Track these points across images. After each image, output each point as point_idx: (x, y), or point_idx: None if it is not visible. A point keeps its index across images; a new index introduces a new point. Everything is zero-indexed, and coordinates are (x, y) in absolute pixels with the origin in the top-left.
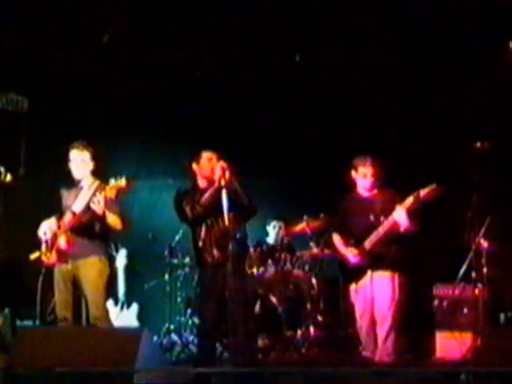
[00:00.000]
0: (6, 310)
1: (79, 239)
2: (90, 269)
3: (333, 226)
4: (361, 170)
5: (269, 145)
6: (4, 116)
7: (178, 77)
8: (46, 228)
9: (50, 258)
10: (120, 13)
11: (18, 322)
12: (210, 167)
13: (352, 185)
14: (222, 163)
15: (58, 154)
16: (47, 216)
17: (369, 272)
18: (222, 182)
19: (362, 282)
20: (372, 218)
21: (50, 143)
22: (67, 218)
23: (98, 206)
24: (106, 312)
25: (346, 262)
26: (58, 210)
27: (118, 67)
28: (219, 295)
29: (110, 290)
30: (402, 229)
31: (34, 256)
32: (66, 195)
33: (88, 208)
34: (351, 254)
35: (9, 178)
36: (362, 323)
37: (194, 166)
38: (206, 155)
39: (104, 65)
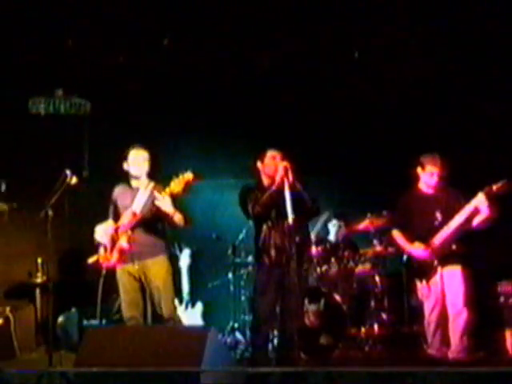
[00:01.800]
0: (73, 310)
1: (143, 238)
2: (160, 268)
3: (394, 222)
4: (429, 167)
5: (331, 142)
6: (67, 119)
7: (239, 76)
8: (102, 231)
9: (111, 259)
10: (178, 15)
11: (85, 322)
12: (273, 166)
13: (414, 181)
14: (284, 163)
15: (121, 156)
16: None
17: (438, 268)
18: (285, 182)
19: (431, 279)
20: (438, 215)
21: (112, 145)
22: (127, 218)
23: (163, 203)
24: (175, 310)
25: (413, 258)
26: (109, 213)
27: (178, 68)
28: (274, 294)
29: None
30: (482, 215)
31: (92, 259)
32: (122, 196)
33: (148, 207)
34: (419, 250)
35: (74, 180)
36: (431, 320)
37: (259, 164)
38: (270, 154)
39: (164, 66)
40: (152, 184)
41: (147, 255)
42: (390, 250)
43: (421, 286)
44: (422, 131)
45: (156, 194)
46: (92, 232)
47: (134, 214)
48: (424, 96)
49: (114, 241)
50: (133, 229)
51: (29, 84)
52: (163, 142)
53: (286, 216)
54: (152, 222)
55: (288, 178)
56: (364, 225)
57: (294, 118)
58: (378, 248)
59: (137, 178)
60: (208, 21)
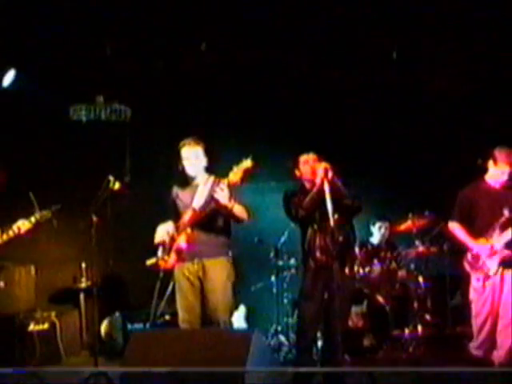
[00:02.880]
0: (117, 314)
1: (203, 237)
2: (218, 271)
3: (453, 215)
4: (501, 165)
5: (371, 144)
6: (108, 126)
7: (280, 79)
8: (163, 231)
9: (169, 260)
10: (215, 19)
11: (129, 326)
12: (308, 170)
13: (480, 173)
14: (324, 164)
15: (161, 160)
16: (152, 221)
17: (500, 269)
18: (325, 183)
19: (490, 279)
20: (507, 212)
21: (153, 150)
22: (187, 215)
23: (221, 195)
24: (231, 315)
25: (473, 254)
26: (169, 214)
27: (217, 72)
28: (320, 297)
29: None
30: None
31: (150, 262)
32: (182, 195)
33: (209, 202)
34: (484, 247)
35: (117, 185)
36: (479, 320)
37: (297, 171)
38: (302, 159)
39: (203, 71)
40: (212, 178)
41: (207, 255)
42: (433, 250)
43: (476, 284)
44: (463, 131)
45: (215, 187)
46: (135, 235)
47: (194, 211)
48: (462, 95)
49: (172, 241)
50: (193, 227)
51: (70, 92)
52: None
53: (328, 217)
54: (214, 219)
55: (328, 179)
56: (406, 225)
57: (333, 120)
58: (421, 248)
59: (193, 174)
60: (246, 24)
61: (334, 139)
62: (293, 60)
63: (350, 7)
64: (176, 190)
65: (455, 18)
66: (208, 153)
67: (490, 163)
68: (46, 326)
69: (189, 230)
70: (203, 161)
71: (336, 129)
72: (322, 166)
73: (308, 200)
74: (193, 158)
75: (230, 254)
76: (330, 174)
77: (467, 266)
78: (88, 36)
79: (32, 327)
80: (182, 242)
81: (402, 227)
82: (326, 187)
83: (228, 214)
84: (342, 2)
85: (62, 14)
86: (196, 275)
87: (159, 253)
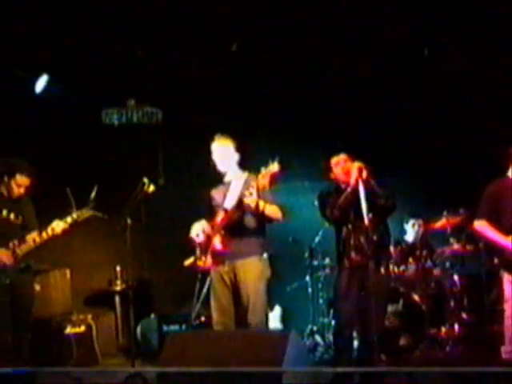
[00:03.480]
0: (152, 316)
1: (235, 238)
2: (249, 271)
3: (479, 212)
4: None
5: (404, 142)
6: (140, 129)
7: (312, 78)
8: (199, 229)
9: (206, 261)
10: (247, 20)
11: (164, 327)
12: (340, 171)
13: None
14: (357, 164)
15: (193, 162)
16: (185, 223)
17: None
18: (359, 183)
19: None
20: None
21: (185, 152)
22: (220, 216)
23: (251, 199)
24: (266, 317)
25: (506, 252)
26: (204, 213)
27: (249, 73)
28: (355, 296)
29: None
30: None
31: (188, 262)
32: (216, 195)
33: (240, 203)
34: None
35: (152, 188)
36: (510, 322)
37: (331, 174)
38: (333, 161)
39: (235, 72)
40: (245, 175)
41: (238, 256)
42: (468, 248)
43: (509, 284)
44: (499, 128)
45: (245, 189)
46: (168, 238)
47: (226, 212)
48: (498, 92)
49: (208, 242)
50: (226, 228)
51: (101, 96)
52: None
53: (363, 216)
54: (246, 220)
55: (362, 178)
56: (441, 223)
57: (367, 118)
58: (456, 246)
59: (224, 170)
60: (277, 24)
61: (367, 138)
62: (324, 60)
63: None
64: (213, 190)
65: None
66: (240, 149)
67: None
68: (82, 328)
69: (222, 232)
70: (234, 156)
71: (370, 127)
72: (355, 166)
73: (342, 200)
74: (222, 152)
75: (265, 254)
76: (364, 174)
77: (501, 264)
78: (119, 40)
79: (68, 330)
80: (217, 243)
81: (437, 225)
82: (361, 187)
83: (260, 216)
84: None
85: (92, 18)
86: (228, 277)
87: (197, 252)
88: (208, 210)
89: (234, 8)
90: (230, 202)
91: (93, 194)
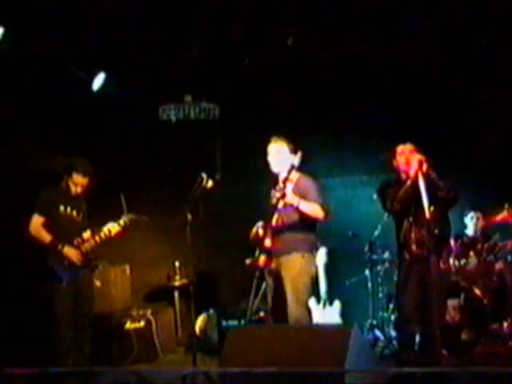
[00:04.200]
0: (211, 311)
1: (285, 235)
2: (291, 267)
3: None
4: None
5: (465, 134)
6: (197, 125)
7: (369, 72)
8: (255, 230)
9: (262, 260)
10: (302, 13)
11: (224, 323)
12: (403, 161)
13: None
14: (418, 156)
15: (250, 157)
16: (242, 218)
17: None
18: (419, 175)
19: None
20: None
21: (242, 147)
22: (275, 217)
23: (291, 198)
24: (307, 312)
25: None
26: (259, 212)
27: (304, 67)
28: (416, 291)
29: (313, 288)
30: None
31: (248, 262)
32: (272, 193)
33: (278, 199)
34: None
35: (210, 183)
36: None
37: (394, 161)
38: (399, 149)
39: (291, 66)
40: (297, 176)
41: (282, 253)
42: None
43: None
44: None
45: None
46: (226, 233)
47: (278, 211)
48: None
49: (262, 241)
50: (277, 226)
51: (158, 92)
52: (294, 141)
53: (424, 209)
54: (292, 217)
55: (422, 171)
56: (502, 216)
57: (426, 110)
58: None
59: (276, 170)
60: (333, 17)
61: (429, 130)
62: (383, 51)
63: None
64: (272, 190)
65: None
66: (294, 149)
67: None
68: (142, 323)
69: (273, 230)
70: (288, 158)
71: (430, 119)
72: (416, 158)
73: (402, 192)
74: (275, 154)
75: (312, 251)
76: (424, 166)
77: None
78: (175, 36)
79: (128, 325)
80: (267, 241)
81: (498, 218)
82: (421, 180)
83: (299, 213)
84: None
85: (148, 15)
86: (274, 273)
87: (256, 252)
88: (269, 209)
89: (288, 1)
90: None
91: (123, 201)
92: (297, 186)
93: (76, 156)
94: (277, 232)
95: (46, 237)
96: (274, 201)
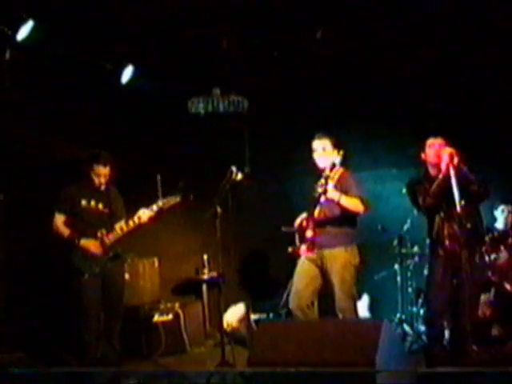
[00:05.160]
0: (240, 304)
1: (324, 228)
2: (335, 261)
3: None
4: None
5: (495, 128)
6: (226, 118)
7: (397, 66)
8: (299, 220)
9: (301, 249)
10: (331, 6)
11: (252, 316)
12: (434, 154)
13: None
14: (448, 149)
15: (279, 150)
16: (271, 211)
17: None
18: (450, 169)
19: None
20: None
21: (272, 140)
22: (317, 209)
23: (330, 193)
24: (354, 304)
25: None
26: (288, 205)
27: (334, 60)
28: (449, 285)
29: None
30: None
31: (290, 249)
32: (316, 187)
33: (320, 194)
34: None
35: (240, 176)
36: None
37: (422, 154)
38: (428, 142)
39: (319, 59)
40: (340, 171)
41: (326, 245)
42: None
43: None
44: None
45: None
46: (255, 226)
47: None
48: None
49: (303, 231)
50: (319, 219)
51: (187, 85)
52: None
53: (455, 204)
54: (334, 210)
55: (453, 164)
56: None
57: (456, 105)
58: None
59: (322, 166)
60: (362, 10)
61: (458, 124)
62: (414, 44)
63: None
64: (313, 183)
65: None
66: (338, 146)
67: None
68: (170, 316)
69: (314, 222)
70: (332, 153)
71: (460, 114)
72: (447, 152)
73: (435, 187)
74: (320, 150)
75: (354, 243)
76: (455, 160)
77: None
78: (204, 28)
79: (157, 318)
80: (309, 232)
81: None
82: (452, 173)
83: (340, 207)
84: None
85: (177, 8)
86: (315, 264)
87: (296, 241)
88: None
89: None
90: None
91: (181, 184)
92: (339, 181)
93: (104, 149)
94: (319, 224)
95: (64, 232)
96: (316, 194)
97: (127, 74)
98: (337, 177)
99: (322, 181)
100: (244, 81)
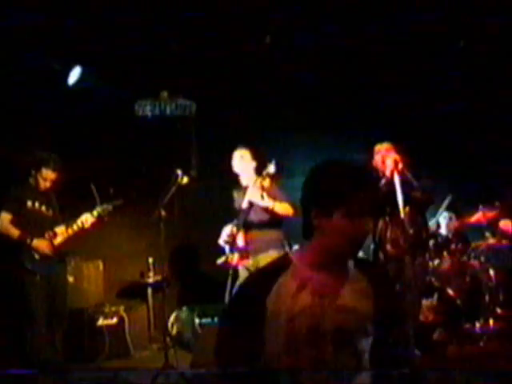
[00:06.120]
0: (184, 308)
1: (257, 235)
2: None
3: (504, 212)
4: None
5: (443, 136)
6: (174, 121)
7: (349, 70)
8: (226, 231)
9: (234, 258)
10: (280, 12)
11: (197, 320)
12: (379, 159)
13: None
14: (393, 156)
15: (226, 155)
16: (218, 216)
17: None
18: (395, 175)
19: None
20: None
21: (218, 145)
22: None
23: (256, 199)
24: None
25: None
26: (229, 211)
27: (281, 66)
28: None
29: None
30: None
31: (220, 260)
32: (237, 196)
33: (250, 204)
34: None
35: (185, 180)
36: None
37: (372, 160)
38: (376, 148)
39: (267, 64)
40: (259, 179)
41: (259, 251)
42: (504, 242)
43: None
44: None
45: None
46: (201, 229)
47: (244, 212)
48: None
49: (233, 240)
50: (247, 226)
51: (135, 87)
52: (267, 139)
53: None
54: (263, 217)
55: (398, 170)
56: (476, 217)
57: (404, 111)
58: (492, 240)
59: (241, 176)
60: (313, 17)
61: (407, 130)
62: (362, 49)
63: None
64: (234, 192)
65: None
66: (257, 156)
67: None
68: (114, 320)
69: (243, 230)
70: (251, 164)
71: (408, 119)
72: (391, 158)
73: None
74: (239, 160)
75: (286, 246)
76: (399, 166)
77: None
78: (152, 31)
79: (101, 322)
80: (240, 241)
81: (473, 219)
82: (396, 179)
83: (272, 213)
84: None
85: (126, 11)
86: (253, 269)
87: (226, 251)
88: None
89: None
90: (245, 203)
91: (111, 192)
92: (267, 189)
93: (50, 151)
94: (249, 232)
95: (15, 232)
96: (244, 203)
97: (75, 74)
98: (267, 185)
99: (261, 192)
100: (192, 84)
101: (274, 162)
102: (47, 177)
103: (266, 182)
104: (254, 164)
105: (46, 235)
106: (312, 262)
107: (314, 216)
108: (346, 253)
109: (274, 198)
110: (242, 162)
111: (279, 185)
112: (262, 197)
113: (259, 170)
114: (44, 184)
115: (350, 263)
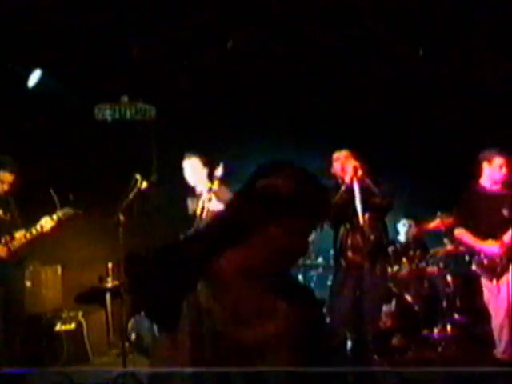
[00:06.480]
0: (143, 313)
1: None
2: None
3: (456, 221)
4: (497, 160)
5: (401, 142)
6: (133, 125)
7: (309, 76)
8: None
9: None
10: (241, 16)
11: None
12: (338, 167)
13: (475, 178)
14: (353, 162)
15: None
16: (178, 220)
17: (510, 266)
18: (355, 182)
19: (502, 278)
20: (506, 212)
21: (179, 149)
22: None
23: (210, 204)
24: None
25: (483, 256)
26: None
27: (242, 71)
28: (351, 296)
29: None
30: None
31: None
32: (191, 203)
33: (202, 210)
34: (493, 247)
35: (145, 184)
36: (498, 321)
37: (331, 168)
38: (334, 156)
39: (228, 69)
40: (209, 183)
41: None
42: (462, 249)
43: (490, 285)
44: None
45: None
46: (160, 235)
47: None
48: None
49: None
50: None
51: (94, 91)
52: (228, 144)
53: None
54: None
55: (357, 177)
56: (434, 224)
57: (362, 116)
58: (449, 247)
59: (193, 184)
60: (272, 21)
61: (366, 137)
62: (325, 55)
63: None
64: (188, 199)
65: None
66: (207, 162)
67: (485, 164)
68: (72, 325)
69: None
70: (203, 171)
71: (368, 126)
72: (351, 164)
73: (337, 198)
74: (190, 169)
75: None
76: (359, 172)
77: (479, 268)
78: (113, 36)
79: (59, 327)
80: None
81: (431, 225)
82: (355, 185)
83: None
84: None
85: (86, 14)
86: None
87: None
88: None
89: (227, 4)
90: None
91: (71, 197)
92: (216, 192)
93: (6, 153)
94: None
95: None
96: (198, 209)
97: (34, 77)
98: (215, 187)
99: (205, 195)
100: (152, 89)
101: (221, 164)
102: (4, 179)
103: (215, 185)
104: (205, 171)
105: (3, 240)
106: None
107: None
108: None
109: (223, 200)
110: (194, 171)
111: (232, 188)
112: (210, 199)
113: (212, 176)
114: (1, 187)
115: None
